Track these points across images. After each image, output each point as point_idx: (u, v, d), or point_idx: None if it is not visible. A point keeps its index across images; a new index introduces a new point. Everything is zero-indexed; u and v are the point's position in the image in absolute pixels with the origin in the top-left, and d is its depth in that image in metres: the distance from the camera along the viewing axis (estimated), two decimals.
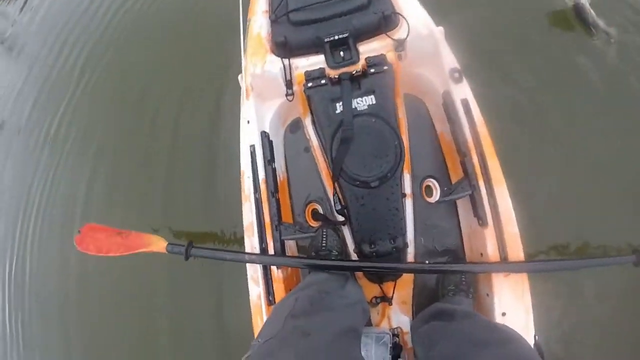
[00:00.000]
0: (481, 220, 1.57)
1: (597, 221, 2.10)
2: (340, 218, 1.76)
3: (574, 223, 2.11)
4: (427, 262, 1.67)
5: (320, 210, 1.89)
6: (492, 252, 1.53)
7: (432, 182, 1.87)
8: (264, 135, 1.78)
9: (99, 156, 3.30)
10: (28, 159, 3.62)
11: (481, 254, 1.61)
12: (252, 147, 1.74)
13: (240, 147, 1.77)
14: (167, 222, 2.74)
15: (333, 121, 1.70)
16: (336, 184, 1.68)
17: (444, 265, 1.61)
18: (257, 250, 1.62)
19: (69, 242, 1.74)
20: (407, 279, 1.77)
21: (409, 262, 1.74)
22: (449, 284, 1.65)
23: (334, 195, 1.70)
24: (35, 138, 3.68)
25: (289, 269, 1.66)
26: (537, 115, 2.39)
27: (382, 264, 1.56)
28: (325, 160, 1.86)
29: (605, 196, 2.15)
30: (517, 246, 1.50)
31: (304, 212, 1.90)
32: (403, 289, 1.77)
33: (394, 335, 1.63)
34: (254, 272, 1.62)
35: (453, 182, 1.80)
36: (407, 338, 1.73)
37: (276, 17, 1.86)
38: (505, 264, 1.49)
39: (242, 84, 1.83)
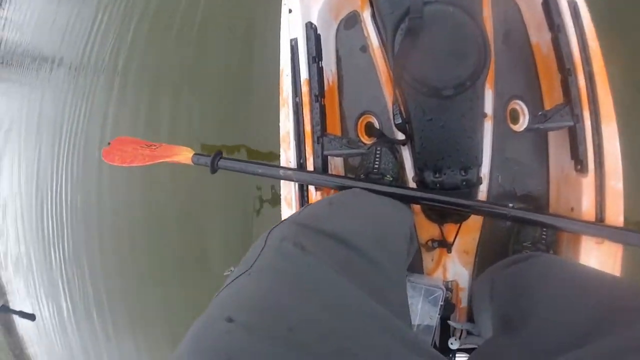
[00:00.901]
0: (580, 164, 1.25)
1: None
2: (400, 136, 1.38)
3: None
4: (511, 205, 1.26)
5: (376, 125, 1.51)
6: (586, 208, 1.23)
7: (520, 105, 1.47)
8: (310, 27, 1.41)
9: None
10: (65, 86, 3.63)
11: (572, 209, 1.30)
12: (294, 40, 1.40)
13: (280, 40, 1.45)
14: (192, 135, 2.75)
15: (398, 7, 1.27)
16: (397, 90, 1.29)
17: (530, 214, 1.19)
18: (293, 166, 1.33)
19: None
20: (474, 224, 1.43)
21: (485, 202, 1.37)
22: (526, 239, 1.32)
23: (393, 105, 1.31)
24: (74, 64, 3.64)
25: (331, 191, 1.35)
26: None
27: (450, 198, 1.19)
28: (385, 62, 1.47)
29: None
30: (617, 207, 1.21)
31: (356, 125, 1.53)
32: (467, 234, 1.43)
33: (447, 289, 1.34)
34: (287, 192, 1.39)
35: (547, 108, 1.41)
36: (463, 295, 1.46)
37: None
38: (606, 228, 1.18)
39: None
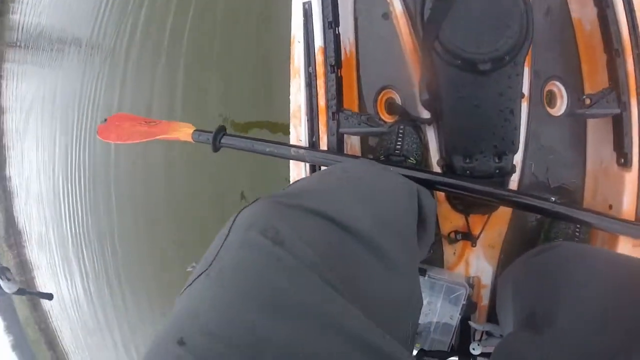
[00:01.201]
0: (624, 157, 1.14)
1: None
2: (426, 114, 1.22)
3: None
4: (553, 199, 1.07)
5: (398, 101, 1.34)
6: (627, 206, 1.13)
7: (558, 87, 1.31)
8: None
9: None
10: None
11: (610, 206, 1.19)
12: (308, 4, 1.25)
13: (292, 4, 1.30)
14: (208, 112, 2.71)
15: None
16: (426, 62, 1.13)
17: (576, 211, 1.02)
18: (304, 144, 1.20)
19: None
20: (502, 216, 1.28)
21: (524, 193, 1.18)
22: (557, 235, 1.22)
23: (421, 78, 1.15)
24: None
25: None
26: None
27: (485, 187, 1.04)
28: (410, 30, 1.30)
29: None
30: None
31: (376, 101, 1.36)
32: (494, 227, 1.29)
33: (469, 284, 1.22)
34: (297, 174, 1.25)
35: (587, 92, 1.26)
36: (484, 293, 1.32)
37: None
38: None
39: None
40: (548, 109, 1.30)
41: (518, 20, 1.06)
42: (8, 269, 1.57)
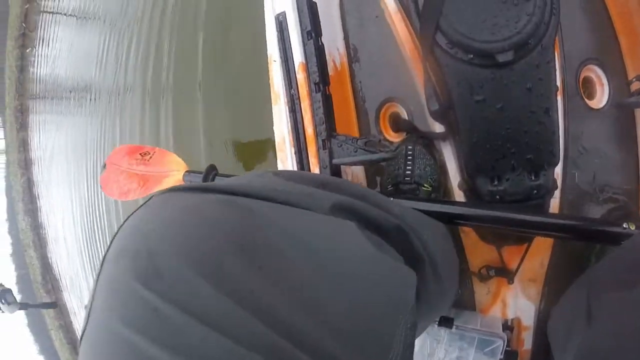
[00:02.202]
0: None
1: None
2: (439, 127, 0.95)
3: None
4: (625, 225, 0.77)
5: (404, 115, 1.08)
6: None
7: (595, 72, 1.03)
8: None
9: None
10: None
11: None
12: (282, 15, 1.00)
13: (265, 19, 1.05)
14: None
15: None
16: (429, 63, 0.86)
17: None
18: None
19: None
20: (543, 243, 1.00)
21: (588, 218, 0.90)
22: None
23: (426, 85, 0.88)
24: None
25: None
26: None
27: (525, 216, 0.75)
28: (408, 28, 1.03)
29: None
30: None
31: (377, 117, 1.10)
32: (534, 258, 1.01)
33: (507, 329, 0.98)
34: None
35: (631, 75, 0.99)
36: (526, 336, 1.03)
37: None
38: None
39: None
40: (587, 101, 1.01)
41: None
42: (10, 291, 1.48)
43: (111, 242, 0.41)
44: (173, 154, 1.35)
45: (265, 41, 1.04)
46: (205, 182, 1.04)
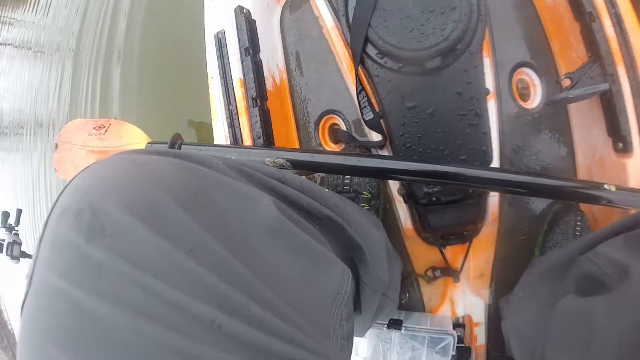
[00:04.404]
0: (622, 141, 0.87)
1: None
2: (376, 136, 0.90)
3: None
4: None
5: (343, 126, 1.04)
6: None
7: (528, 74, 1.02)
8: (240, 13, 0.96)
9: None
10: None
11: None
12: (221, 33, 0.97)
13: (205, 37, 1.01)
14: None
15: None
16: (361, 74, 0.83)
17: (578, 182, 0.72)
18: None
19: None
20: (487, 238, 0.98)
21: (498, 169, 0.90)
22: (556, 235, 0.92)
23: (359, 96, 0.84)
24: None
25: None
26: None
27: (477, 170, 0.73)
28: (345, 44, 1.00)
29: None
30: None
31: (317, 129, 1.06)
32: (479, 254, 0.98)
33: (458, 326, 0.94)
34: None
35: (563, 73, 0.96)
36: (479, 332, 1.00)
37: None
38: None
39: None
40: (521, 103, 1.00)
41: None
42: None
43: (54, 205, 0.37)
44: (131, 125, 1.21)
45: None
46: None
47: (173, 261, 0.31)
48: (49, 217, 0.36)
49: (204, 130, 1.96)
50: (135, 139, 1.11)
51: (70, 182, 0.37)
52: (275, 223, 0.43)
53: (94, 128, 1.18)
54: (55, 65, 3.20)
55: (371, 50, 0.78)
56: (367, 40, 0.77)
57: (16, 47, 3.83)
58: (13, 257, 1.09)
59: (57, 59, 3.23)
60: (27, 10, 3.57)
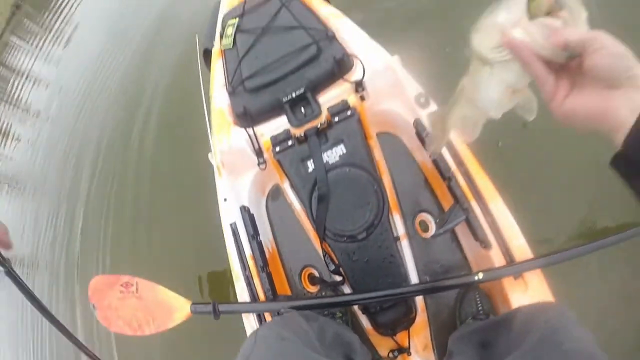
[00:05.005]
0: (483, 243, 1.35)
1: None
2: (339, 278, 1.49)
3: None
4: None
5: (317, 274, 1.63)
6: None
7: (426, 216, 1.61)
8: (244, 210, 1.56)
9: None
10: None
11: None
12: (234, 224, 1.55)
13: (222, 226, 1.58)
14: None
15: (307, 181, 1.47)
16: (324, 245, 1.43)
17: (447, 281, 1.30)
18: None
19: None
20: (421, 323, 1.49)
21: (412, 284, 1.44)
22: (466, 317, 1.40)
23: (324, 257, 1.44)
24: None
25: None
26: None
27: (381, 292, 1.29)
28: (311, 223, 1.59)
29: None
30: (527, 257, 1.29)
31: (300, 278, 1.64)
32: (419, 333, 1.49)
33: None
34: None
35: (446, 210, 1.54)
36: None
37: (233, 88, 1.65)
38: (514, 266, 1.26)
39: (213, 162, 1.62)
40: (423, 235, 1.58)
41: (374, 197, 1.40)
42: None
43: None
44: (160, 286, 1.51)
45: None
46: (215, 311, 1.38)
47: None
48: None
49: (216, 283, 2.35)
50: (175, 301, 1.49)
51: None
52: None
53: (121, 285, 1.55)
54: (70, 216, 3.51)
55: (328, 232, 1.39)
56: (325, 229, 1.37)
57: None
58: None
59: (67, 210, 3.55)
60: None
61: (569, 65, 0.58)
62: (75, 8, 5.65)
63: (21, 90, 5.27)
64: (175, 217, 2.82)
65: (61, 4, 6.02)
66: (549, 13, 0.57)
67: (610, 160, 0.56)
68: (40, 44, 5.69)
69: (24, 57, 5.87)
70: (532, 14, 0.57)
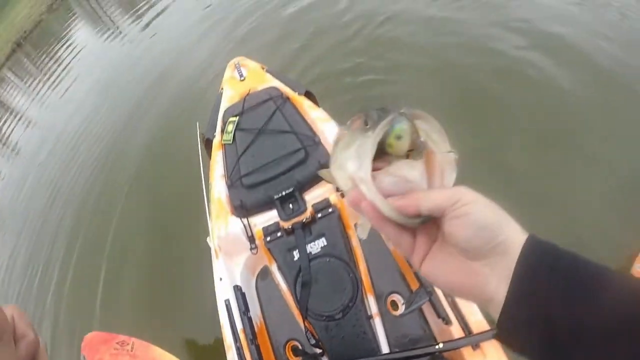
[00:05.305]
0: (444, 319, 1.57)
1: None
2: (319, 350, 1.72)
3: None
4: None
5: (300, 346, 1.84)
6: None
7: (396, 297, 1.85)
8: (237, 289, 1.81)
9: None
10: None
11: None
12: (227, 301, 1.78)
13: (217, 302, 1.82)
14: None
15: (293, 268, 1.73)
16: (306, 323, 1.68)
17: (412, 352, 1.50)
18: None
19: None
20: None
21: (382, 354, 1.65)
22: None
23: (306, 332, 1.67)
24: None
25: None
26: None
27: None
28: (295, 301, 1.85)
29: None
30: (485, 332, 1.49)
31: (285, 350, 1.85)
32: None
33: None
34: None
35: (414, 290, 1.76)
36: None
37: (232, 182, 1.93)
38: (470, 337, 1.47)
39: (211, 245, 1.86)
40: (394, 313, 1.81)
41: (350, 283, 1.66)
42: None
43: None
44: (156, 347, 1.67)
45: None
46: None
47: None
48: None
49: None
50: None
51: None
52: None
53: (117, 343, 1.73)
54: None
55: (310, 313, 1.63)
56: (307, 309, 1.61)
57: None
58: None
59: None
60: None
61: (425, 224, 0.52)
62: (78, 60, 5.89)
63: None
64: (173, 289, 3.03)
65: (62, 55, 6.25)
66: (410, 152, 0.51)
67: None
68: (35, 85, 5.90)
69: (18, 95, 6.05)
70: (392, 153, 0.51)
